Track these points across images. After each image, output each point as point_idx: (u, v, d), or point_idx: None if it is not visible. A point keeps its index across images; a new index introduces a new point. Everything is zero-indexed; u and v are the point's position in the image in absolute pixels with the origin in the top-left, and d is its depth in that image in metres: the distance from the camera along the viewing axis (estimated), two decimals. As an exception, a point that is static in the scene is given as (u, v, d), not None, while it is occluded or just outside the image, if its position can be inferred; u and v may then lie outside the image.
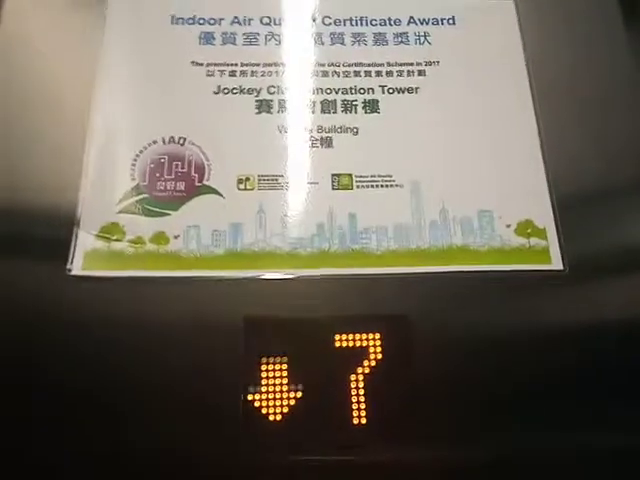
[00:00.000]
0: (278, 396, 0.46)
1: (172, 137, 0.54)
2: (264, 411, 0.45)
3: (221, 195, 0.52)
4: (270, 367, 0.46)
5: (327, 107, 0.56)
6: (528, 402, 0.46)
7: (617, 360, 0.48)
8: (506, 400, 0.46)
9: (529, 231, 0.51)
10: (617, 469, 0.45)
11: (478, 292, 0.49)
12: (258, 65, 0.57)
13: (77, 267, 0.49)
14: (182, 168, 0.53)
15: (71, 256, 0.49)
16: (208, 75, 0.57)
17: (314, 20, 0.60)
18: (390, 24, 0.60)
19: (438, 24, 0.60)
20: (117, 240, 0.50)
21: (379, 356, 0.47)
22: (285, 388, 0.46)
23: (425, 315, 0.48)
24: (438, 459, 0.45)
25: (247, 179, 0.53)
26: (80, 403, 0.45)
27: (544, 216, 0.52)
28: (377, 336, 0.47)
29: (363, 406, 0.45)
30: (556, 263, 0.50)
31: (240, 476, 0.44)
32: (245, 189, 0.53)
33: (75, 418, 0.45)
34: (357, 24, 0.60)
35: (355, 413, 0.45)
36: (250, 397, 0.45)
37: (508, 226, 0.52)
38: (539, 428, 0.46)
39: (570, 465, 0.45)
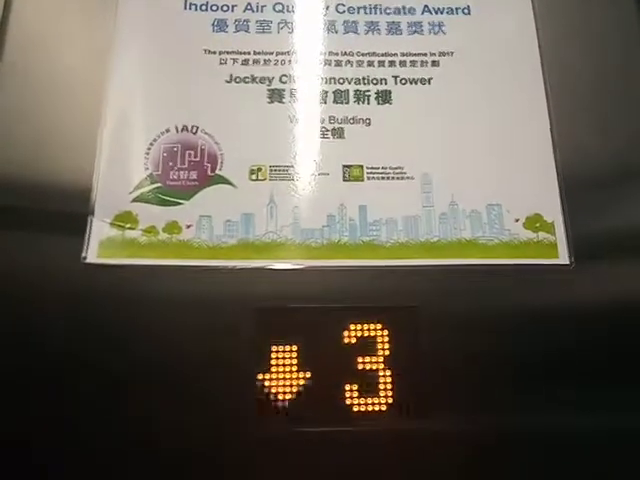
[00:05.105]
0: (287, 383, 0.47)
1: (185, 126, 0.54)
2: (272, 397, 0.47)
3: (233, 185, 0.53)
4: (280, 355, 0.48)
5: (339, 97, 0.56)
6: (531, 395, 0.47)
7: (622, 354, 0.48)
8: (511, 392, 0.48)
9: (537, 225, 0.52)
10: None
11: (486, 285, 0.50)
12: (271, 54, 0.57)
13: (92, 255, 0.50)
14: (195, 157, 0.54)
15: (86, 244, 0.50)
16: (221, 63, 0.57)
17: (327, 7, 0.59)
18: (404, 13, 0.59)
19: (453, 13, 0.59)
20: (131, 228, 0.51)
21: (387, 347, 0.48)
22: (294, 375, 0.47)
23: (433, 307, 0.49)
24: (444, 446, 0.46)
25: (259, 169, 0.53)
26: (94, 388, 0.46)
27: (553, 210, 0.52)
28: (385, 327, 0.48)
29: (371, 395, 0.47)
30: (563, 258, 0.51)
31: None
32: (257, 179, 0.53)
33: (91, 402, 0.46)
34: (371, 12, 0.59)
35: (362, 400, 0.47)
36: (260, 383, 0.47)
37: (517, 220, 0.52)
38: (544, 418, 0.47)
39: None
